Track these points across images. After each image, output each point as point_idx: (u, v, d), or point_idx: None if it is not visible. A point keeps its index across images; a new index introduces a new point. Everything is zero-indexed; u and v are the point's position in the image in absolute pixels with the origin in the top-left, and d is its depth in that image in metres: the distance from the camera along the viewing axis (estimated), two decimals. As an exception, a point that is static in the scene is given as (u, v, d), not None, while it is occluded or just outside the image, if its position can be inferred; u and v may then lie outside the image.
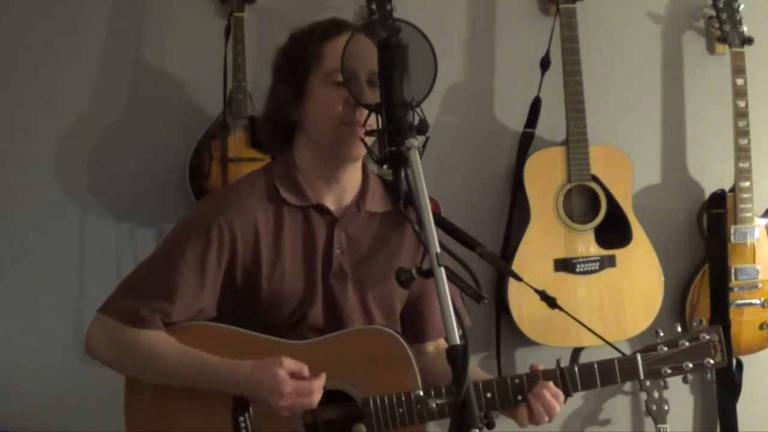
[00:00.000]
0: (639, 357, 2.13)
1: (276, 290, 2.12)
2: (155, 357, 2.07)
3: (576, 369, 2.11)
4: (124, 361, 2.12)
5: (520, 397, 2.09)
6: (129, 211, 3.29)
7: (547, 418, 2.08)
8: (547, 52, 3.33)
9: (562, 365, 2.12)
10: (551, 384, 2.08)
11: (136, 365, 2.11)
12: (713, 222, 3.37)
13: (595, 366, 2.12)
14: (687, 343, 2.15)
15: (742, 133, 3.32)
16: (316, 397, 2.03)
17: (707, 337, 2.14)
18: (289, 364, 2.03)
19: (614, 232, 3.29)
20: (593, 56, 3.32)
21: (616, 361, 2.13)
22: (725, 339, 2.17)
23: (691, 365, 2.13)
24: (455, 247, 2.09)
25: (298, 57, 2.13)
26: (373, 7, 3.17)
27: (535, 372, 2.10)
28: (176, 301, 2.07)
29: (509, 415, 2.12)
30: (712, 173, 3.48)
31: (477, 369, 2.40)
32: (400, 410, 2.06)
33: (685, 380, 2.17)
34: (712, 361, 2.14)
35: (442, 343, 2.33)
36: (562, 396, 2.09)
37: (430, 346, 2.32)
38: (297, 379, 2.02)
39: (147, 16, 3.27)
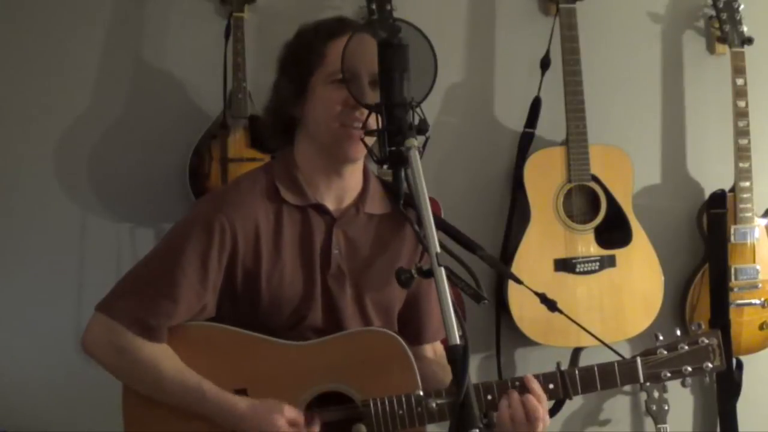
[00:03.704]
0: (639, 361, 2.13)
1: (275, 290, 2.12)
2: (156, 376, 2.07)
3: (576, 372, 2.11)
4: (124, 370, 2.11)
5: None
6: (129, 211, 3.28)
7: (522, 414, 2.05)
8: (547, 52, 3.33)
9: (563, 368, 2.12)
10: (535, 386, 2.08)
11: (135, 378, 2.11)
12: (713, 222, 3.37)
13: (595, 369, 2.12)
14: (686, 347, 2.15)
15: (742, 133, 3.32)
16: None
17: (706, 341, 2.15)
18: (290, 412, 2.04)
19: (614, 232, 3.29)
20: (593, 56, 3.32)
21: (616, 365, 2.13)
22: (725, 339, 2.17)
23: (690, 369, 2.14)
24: (455, 247, 2.09)
25: (303, 55, 2.12)
26: (373, 7, 3.17)
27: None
28: (180, 302, 2.06)
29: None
30: (712, 173, 3.48)
31: None
32: (401, 412, 2.06)
33: (683, 384, 2.17)
34: (711, 365, 2.14)
35: (439, 348, 2.33)
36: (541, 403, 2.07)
37: (428, 350, 2.32)
38: (294, 428, 2.03)
39: (147, 16, 3.27)
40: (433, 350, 2.32)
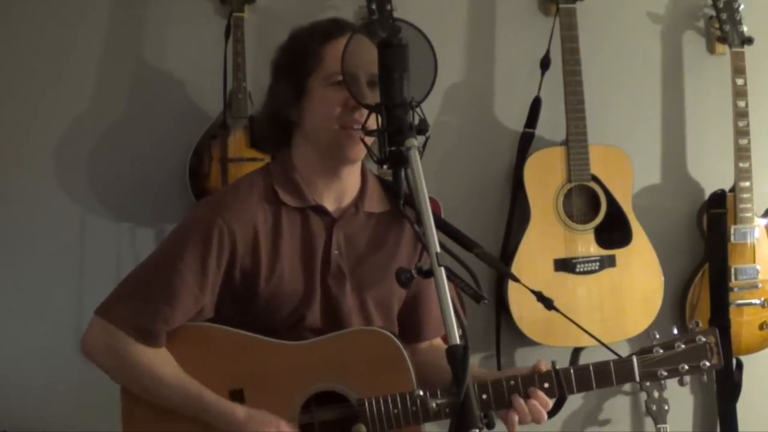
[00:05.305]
0: (635, 359, 2.12)
1: (274, 291, 2.12)
2: (155, 380, 2.08)
3: (571, 371, 2.11)
4: (123, 375, 2.12)
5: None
6: (129, 211, 3.29)
7: (530, 420, 2.08)
8: (547, 52, 3.33)
9: (558, 366, 2.12)
10: (541, 393, 2.09)
11: (134, 382, 2.11)
12: (713, 222, 3.36)
13: (591, 368, 2.12)
14: (683, 345, 2.14)
15: (742, 133, 3.31)
16: None
17: (703, 339, 2.14)
18: (285, 428, 2.05)
19: (614, 232, 3.29)
20: (593, 56, 3.32)
21: (611, 363, 2.12)
22: (724, 339, 2.17)
23: (687, 367, 2.12)
24: (454, 247, 2.08)
25: (299, 57, 2.12)
26: (373, 7, 3.17)
27: (539, 370, 2.10)
28: (178, 306, 2.07)
29: (500, 418, 2.12)
30: (712, 173, 3.48)
31: (476, 365, 2.40)
32: (395, 411, 2.06)
33: (681, 382, 2.16)
34: (708, 364, 2.13)
35: (437, 341, 2.34)
36: (550, 404, 2.09)
37: (425, 344, 2.33)
38: None
39: (147, 16, 3.27)
40: (431, 344, 2.33)
